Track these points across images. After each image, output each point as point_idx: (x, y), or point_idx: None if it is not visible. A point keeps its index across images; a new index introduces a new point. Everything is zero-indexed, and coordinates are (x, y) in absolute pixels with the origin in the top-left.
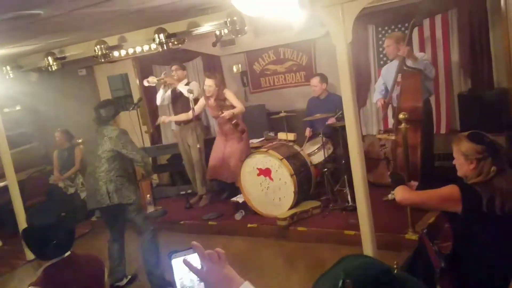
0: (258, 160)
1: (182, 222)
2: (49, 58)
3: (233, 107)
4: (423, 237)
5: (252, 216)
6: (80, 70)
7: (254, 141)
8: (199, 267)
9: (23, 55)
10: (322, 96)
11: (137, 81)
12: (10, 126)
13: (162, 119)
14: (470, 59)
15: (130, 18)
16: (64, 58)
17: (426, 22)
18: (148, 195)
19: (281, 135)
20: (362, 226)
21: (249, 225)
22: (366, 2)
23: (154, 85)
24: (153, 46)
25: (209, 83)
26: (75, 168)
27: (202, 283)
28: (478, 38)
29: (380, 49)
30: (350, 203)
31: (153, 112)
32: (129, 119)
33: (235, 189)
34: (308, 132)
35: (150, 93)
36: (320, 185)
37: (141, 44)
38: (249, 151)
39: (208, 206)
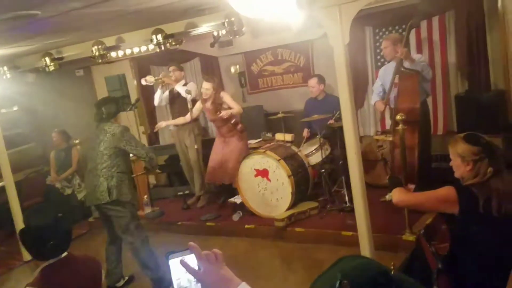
0: (256, 161)
1: (179, 223)
2: (47, 58)
3: (230, 109)
4: (420, 238)
5: (250, 217)
6: (77, 70)
7: (252, 142)
8: (196, 268)
9: (21, 56)
10: (319, 97)
11: (135, 82)
12: (7, 126)
13: (159, 124)
14: (467, 61)
15: (127, 19)
16: (61, 58)
17: (423, 24)
18: (145, 196)
19: (279, 136)
20: (360, 227)
21: (246, 226)
22: (363, 3)
23: (151, 84)
24: (151, 46)
25: (207, 86)
26: (72, 168)
27: (199, 284)
28: (475, 39)
29: (378, 50)
30: (348, 204)
31: (150, 112)
32: (127, 120)
33: (233, 190)
34: (306, 132)
35: (147, 93)
36: (318, 186)
37: (139, 44)
38: (248, 151)
39: (206, 207)
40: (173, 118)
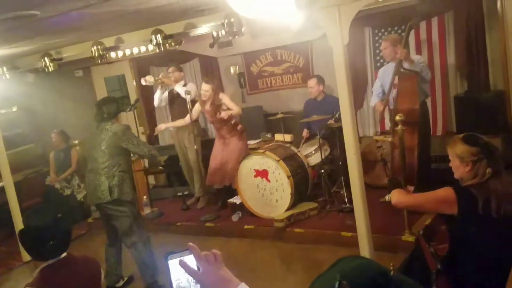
0: (255, 161)
1: (178, 224)
2: (46, 59)
3: (230, 110)
4: (419, 239)
5: (249, 217)
6: (77, 71)
7: (251, 142)
8: (195, 268)
9: (20, 56)
10: (319, 97)
11: (134, 82)
12: (7, 127)
13: (159, 127)
14: (466, 62)
15: (127, 19)
16: (61, 59)
17: (423, 25)
18: (144, 197)
19: (278, 137)
20: (359, 227)
21: (246, 227)
22: (362, 4)
23: (151, 84)
24: (150, 47)
25: (206, 88)
26: (72, 169)
27: (198, 285)
28: (474, 40)
29: (377, 51)
30: (347, 205)
31: (150, 113)
32: (126, 120)
33: (232, 191)
34: (305, 133)
35: (147, 94)
36: (317, 186)
37: (138, 45)
38: (248, 152)
39: (205, 207)
40: (173, 118)
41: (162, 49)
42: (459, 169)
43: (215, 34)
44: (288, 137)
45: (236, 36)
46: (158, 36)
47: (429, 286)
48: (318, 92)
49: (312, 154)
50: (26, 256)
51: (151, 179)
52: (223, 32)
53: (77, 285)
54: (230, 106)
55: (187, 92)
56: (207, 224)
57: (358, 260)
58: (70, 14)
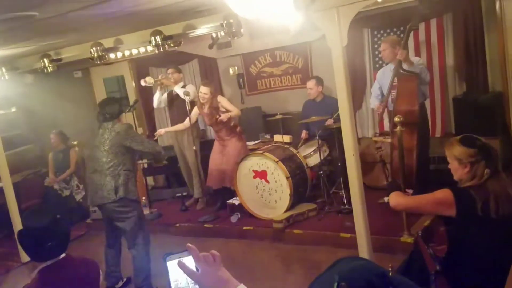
0: (254, 162)
1: (177, 225)
2: (45, 59)
3: (229, 112)
4: (418, 240)
5: (248, 218)
6: (75, 72)
7: (250, 143)
8: (194, 269)
9: (19, 57)
10: (318, 98)
11: (133, 83)
12: (5, 127)
13: (159, 131)
14: (465, 63)
15: (126, 20)
16: (60, 60)
17: (421, 26)
18: (143, 198)
19: (277, 138)
20: (358, 228)
21: (244, 228)
22: (361, 5)
23: (150, 85)
24: (149, 48)
25: (204, 90)
26: (70, 170)
27: (197, 286)
28: (473, 42)
29: (376, 52)
30: (346, 206)
31: (149, 114)
32: (125, 121)
33: (231, 192)
34: (304, 134)
35: (146, 95)
36: (316, 187)
37: (137, 46)
38: (247, 153)
39: (204, 208)
40: (172, 120)
41: (161, 50)
42: (458, 171)
43: (214, 35)
44: (287, 138)
45: (235, 37)
46: (157, 37)
47: (428, 287)
48: (317, 93)
49: (311, 155)
50: (24, 257)
51: (150, 180)
52: (222, 33)
53: (75, 286)
54: (229, 108)
55: (186, 93)
56: (205, 225)
57: (356, 261)
58: (68, 15)
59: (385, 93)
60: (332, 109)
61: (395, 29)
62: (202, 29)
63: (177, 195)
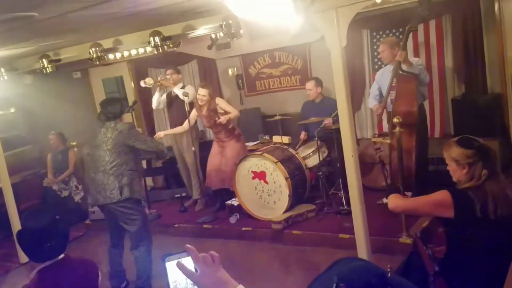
0: (253, 163)
1: (176, 225)
2: (44, 60)
3: (227, 114)
4: (417, 241)
5: (247, 219)
6: (75, 72)
7: (249, 144)
8: (193, 270)
9: (18, 57)
10: (317, 99)
11: (132, 84)
12: (4, 128)
13: (158, 134)
14: (464, 64)
15: (125, 21)
16: (59, 60)
17: (420, 27)
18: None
19: (276, 138)
20: (357, 229)
21: (243, 229)
22: (360, 7)
23: (150, 86)
24: (148, 49)
25: (203, 92)
26: (69, 171)
27: (196, 287)
28: (472, 43)
29: (375, 53)
30: (345, 207)
31: (148, 114)
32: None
33: (230, 193)
34: (303, 135)
35: (145, 95)
36: (315, 188)
37: (136, 46)
38: (246, 154)
39: (203, 209)
40: (171, 121)
41: (160, 50)
42: (457, 173)
43: (213, 36)
44: (286, 139)
45: (234, 38)
46: (156, 38)
47: None
48: (316, 94)
49: (310, 156)
50: (23, 258)
51: (149, 181)
52: (222, 34)
53: (74, 286)
54: (228, 109)
55: (185, 94)
56: (204, 226)
57: (355, 262)
58: (68, 16)
59: (384, 94)
60: (331, 110)
61: (394, 30)
62: (201, 30)
63: (176, 196)
